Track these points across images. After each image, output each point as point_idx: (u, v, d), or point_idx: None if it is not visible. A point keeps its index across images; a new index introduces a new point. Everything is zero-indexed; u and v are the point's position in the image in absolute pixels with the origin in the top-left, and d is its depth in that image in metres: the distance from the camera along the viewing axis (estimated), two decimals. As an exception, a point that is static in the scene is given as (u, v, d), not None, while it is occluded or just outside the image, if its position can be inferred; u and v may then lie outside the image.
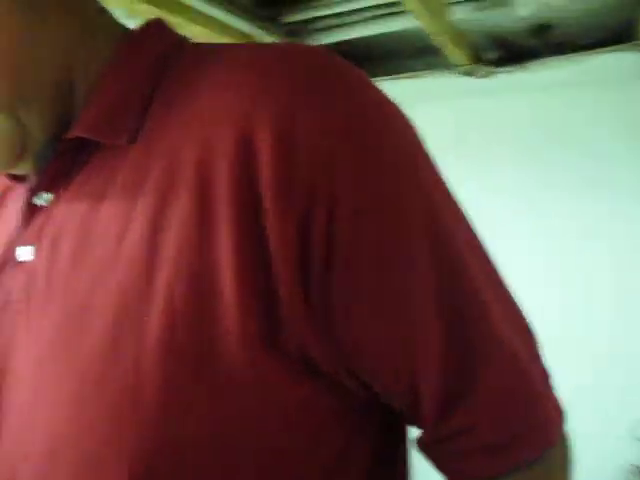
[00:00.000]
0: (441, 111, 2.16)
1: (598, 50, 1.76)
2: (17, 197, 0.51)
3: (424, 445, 0.46)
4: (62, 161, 0.44)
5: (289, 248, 0.37)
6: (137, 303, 0.38)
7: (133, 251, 0.39)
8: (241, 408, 0.38)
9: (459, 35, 1.71)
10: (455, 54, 1.78)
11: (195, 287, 0.37)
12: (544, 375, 0.46)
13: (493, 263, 0.46)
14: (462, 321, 0.41)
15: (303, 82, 0.38)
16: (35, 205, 0.46)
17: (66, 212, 0.44)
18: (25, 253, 0.45)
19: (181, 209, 0.38)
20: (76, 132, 0.43)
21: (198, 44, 0.48)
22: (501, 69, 1.90)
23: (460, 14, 1.58)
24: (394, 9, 1.58)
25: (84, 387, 0.38)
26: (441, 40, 1.65)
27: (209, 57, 0.44)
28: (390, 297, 0.39)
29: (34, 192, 0.46)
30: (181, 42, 0.48)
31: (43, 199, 0.46)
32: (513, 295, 0.46)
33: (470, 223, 0.45)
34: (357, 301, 0.39)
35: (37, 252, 0.44)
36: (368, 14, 1.64)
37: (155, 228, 0.39)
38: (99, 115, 0.43)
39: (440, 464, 0.46)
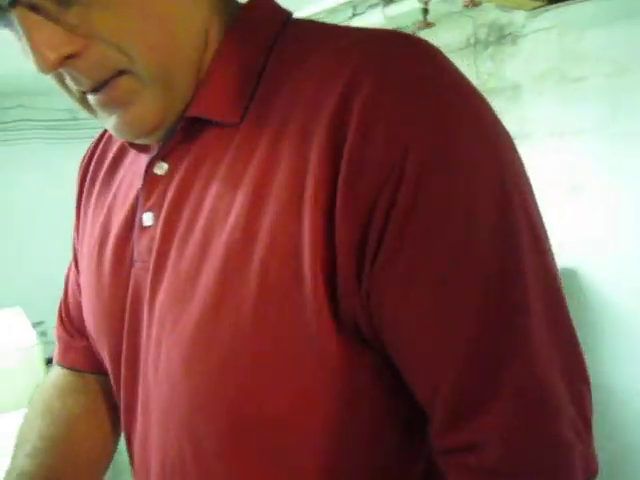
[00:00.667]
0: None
1: None
2: (133, 161, 0.56)
3: (435, 453, 0.45)
4: (181, 134, 0.47)
5: (351, 233, 0.39)
6: (235, 277, 0.42)
7: (234, 230, 0.42)
8: (313, 373, 0.42)
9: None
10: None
11: (285, 264, 0.40)
12: (581, 422, 0.42)
13: (561, 294, 0.43)
14: (497, 339, 0.39)
15: (398, 73, 0.39)
16: (155, 174, 0.49)
17: (182, 184, 0.47)
18: (147, 219, 0.49)
19: (277, 193, 0.41)
20: (195, 111, 0.46)
21: (300, 21, 0.49)
22: None
23: None
24: None
25: (192, 347, 0.44)
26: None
27: (313, 38, 0.45)
28: (425, 291, 0.39)
29: (154, 161, 0.49)
30: (287, 19, 0.48)
31: (162, 169, 0.49)
32: (570, 324, 0.43)
33: (543, 232, 0.42)
34: (391, 284, 0.39)
35: (156, 219, 0.48)
36: None
37: (254, 208, 0.41)
38: (215, 95, 0.45)
39: (447, 476, 0.44)
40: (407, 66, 0.39)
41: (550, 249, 0.43)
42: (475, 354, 0.39)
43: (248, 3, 0.49)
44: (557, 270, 0.43)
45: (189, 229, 0.45)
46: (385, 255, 0.39)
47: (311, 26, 0.48)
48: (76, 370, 0.69)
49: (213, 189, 0.44)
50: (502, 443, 0.40)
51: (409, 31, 2.37)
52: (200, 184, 0.46)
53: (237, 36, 0.46)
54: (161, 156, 0.49)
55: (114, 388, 0.58)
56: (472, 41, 2.21)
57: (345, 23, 2.27)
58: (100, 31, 0.41)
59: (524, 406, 0.40)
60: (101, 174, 0.61)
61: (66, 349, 0.69)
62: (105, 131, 0.64)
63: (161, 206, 0.48)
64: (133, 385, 0.53)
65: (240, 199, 0.42)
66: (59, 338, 0.70)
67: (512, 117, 2.10)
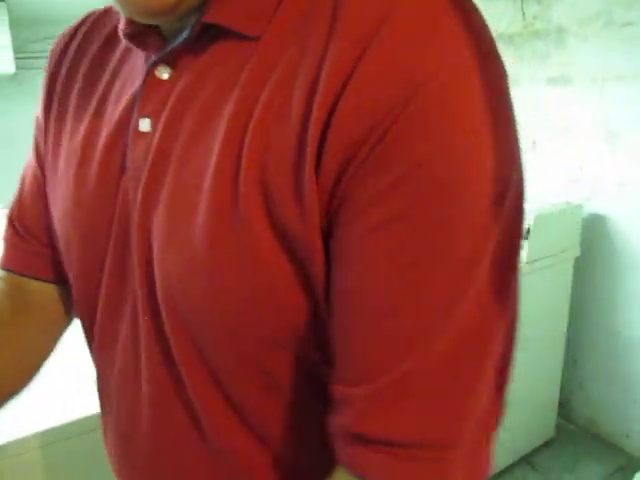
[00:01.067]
0: None
1: None
2: (126, 59, 0.51)
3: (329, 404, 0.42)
4: (191, 39, 0.43)
5: (332, 167, 0.37)
6: (235, 192, 0.39)
7: (231, 150, 0.39)
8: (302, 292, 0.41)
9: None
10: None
11: (289, 181, 0.38)
12: (484, 424, 0.40)
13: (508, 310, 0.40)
14: (434, 315, 0.37)
15: (425, 25, 0.36)
16: (156, 77, 0.45)
17: (186, 93, 0.43)
18: (145, 125, 0.45)
19: (291, 115, 0.38)
20: (213, 17, 0.41)
21: None
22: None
23: None
24: None
25: (193, 265, 0.41)
26: None
27: None
28: (380, 244, 0.37)
29: (157, 64, 0.45)
30: None
31: (165, 73, 0.45)
32: (508, 337, 0.41)
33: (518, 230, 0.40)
34: (356, 219, 0.37)
35: (155, 125, 0.45)
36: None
37: (264, 129, 0.38)
38: (237, 3, 0.41)
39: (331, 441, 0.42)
40: (438, 23, 0.36)
41: (517, 267, 0.40)
42: (400, 321, 0.37)
43: None
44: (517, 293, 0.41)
45: (192, 142, 0.42)
46: (357, 195, 0.36)
47: None
48: (15, 274, 0.62)
49: (222, 104, 0.41)
50: (387, 413, 0.38)
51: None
52: (207, 96, 0.42)
53: None
54: (166, 60, 0.45)
55: (81, 303, 0.55)
56: (520, -18, 2.19)
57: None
58: None
59: (425, 387, 0.37)
60: (82, 67, 0.55)
61: (8, 252, 0.63)
62: (84, 19, 0.59)
63: (161, 113, 0.45)
64: (118, 303, 0.49)
65: (252, 120, 0.39)
66: (6, 242, 0.63)
67: (555, 61, 2.12)
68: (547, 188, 2.21)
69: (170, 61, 0.45)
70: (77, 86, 0.54)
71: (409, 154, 0.35)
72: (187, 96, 0.43)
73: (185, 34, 0.43)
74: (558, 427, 2.21)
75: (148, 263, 0.45)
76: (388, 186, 0.35)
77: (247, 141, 0.39)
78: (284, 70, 0.39)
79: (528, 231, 1.81)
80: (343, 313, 0.39)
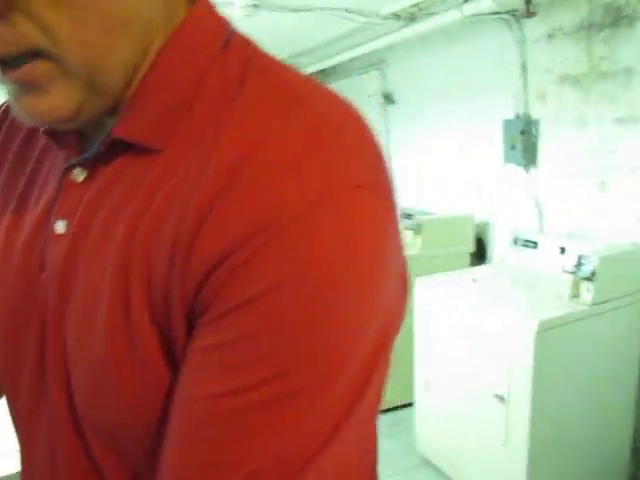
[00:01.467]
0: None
1: None
2: (47, 151, 0.53)
3: None
4: (102, 147, 0.45)
5: (182, 304, 0.39)
6: (123, 299, 0.41)
7: (123, 259, 0.42)
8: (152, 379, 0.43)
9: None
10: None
11: (161, 306, 0.40)
12: None
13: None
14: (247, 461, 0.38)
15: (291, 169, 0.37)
16: (72, 180, 0.48)
17: (96, 199, 0.46)
18: (60, 226, 0.47)
19: (164, 237, 0.40)
20: (121, 133, 0.44)
21: (245, 48, 0.46)
22: None
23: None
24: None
25: (97, 362, 0.44)
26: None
27: (250, 92, 0.42)
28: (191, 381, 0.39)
29: (72, 167, 0.48)
30: (228, 38, 0.46)
31: (81, 175, 0.48)
32: None
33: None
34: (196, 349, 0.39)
35: (69, 228, 0.47)
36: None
37: (146, 247, 0.41)
38: (143, 119, 0.44)
39: None
40: (301, 163, 0.38)
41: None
42: (217, 449, 0.38)
43: (187, 18, 0.45)
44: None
45: (98, 246, 0.44)
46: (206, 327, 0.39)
47: (251, 63, 0.44)
48: None
49: (123, 214, 0.43)
50: None
51: (517, 15, 2.39)
52: (113, 204, 0.45)
53: (172, 57, 0.44)
54: (82, 163, 0.48)
55: (5, 388, 0.55)
56: (586, 24, 2.21)
57: (457, 9, 2.34)
58: (29, 6, 0.36)
59: None
60: (10, 154, 0.56)
61: None
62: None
63: (74, 215, 0.46)
64: (38, 397, 0.50)
65: (138, 234, 0.42)
66: None
67: (623, 102, 2.10)
68: (614, 229, 2.17)
69: (86, 164, 0.47)
70: (4, 173, 0.56)
71: (247, 287, 0.36)
72: (97, 202, 0.46)
73: (95, 147, 0.46)
74: (632, 478, 2.11)
75: (63, 363, 0.46)
76: (224, 313, 0.37)
77: (134, 253, 0.41)
78: (170, 188, 0.41)
79: (593, 273, 1.79)
80: (171, 424, 0.40)
